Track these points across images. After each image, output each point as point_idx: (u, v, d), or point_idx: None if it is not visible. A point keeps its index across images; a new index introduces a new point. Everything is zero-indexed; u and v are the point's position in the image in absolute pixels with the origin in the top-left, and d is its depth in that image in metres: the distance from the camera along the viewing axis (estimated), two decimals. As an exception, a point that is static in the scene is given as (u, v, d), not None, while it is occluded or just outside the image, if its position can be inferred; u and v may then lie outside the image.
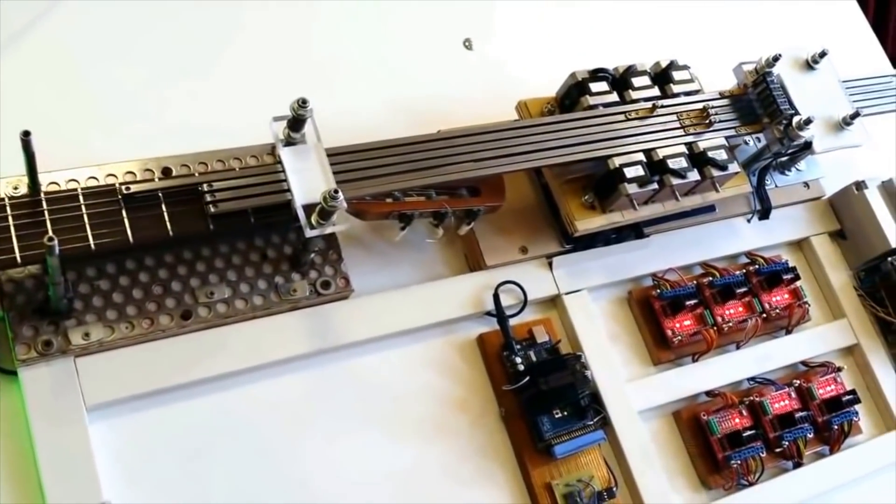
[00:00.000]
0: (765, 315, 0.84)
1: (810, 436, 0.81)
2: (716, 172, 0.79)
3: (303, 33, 0.85)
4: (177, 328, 0.67)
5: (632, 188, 0.75)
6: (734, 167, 0.79)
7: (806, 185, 0.94)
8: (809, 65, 0.87)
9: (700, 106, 0.82)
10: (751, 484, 0.78)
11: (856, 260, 0.94)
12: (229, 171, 0.66)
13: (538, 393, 0.72)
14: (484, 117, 0.78)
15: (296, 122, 0.65)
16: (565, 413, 0.74)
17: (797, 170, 0.94)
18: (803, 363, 0.86)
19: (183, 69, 0.78)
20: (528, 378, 0.72)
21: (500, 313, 0.76)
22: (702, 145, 0.79)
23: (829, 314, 0.91)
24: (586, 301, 0.80)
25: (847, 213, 0.94)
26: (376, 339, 0.73)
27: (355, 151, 0.68)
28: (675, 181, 0.77)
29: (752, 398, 0.80)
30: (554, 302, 0.80)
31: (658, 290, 0.81)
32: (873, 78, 0.93)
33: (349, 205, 0.68)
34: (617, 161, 0.76)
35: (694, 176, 0.78)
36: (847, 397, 0.83)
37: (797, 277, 0.86)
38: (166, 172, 0.66)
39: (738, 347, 0.84)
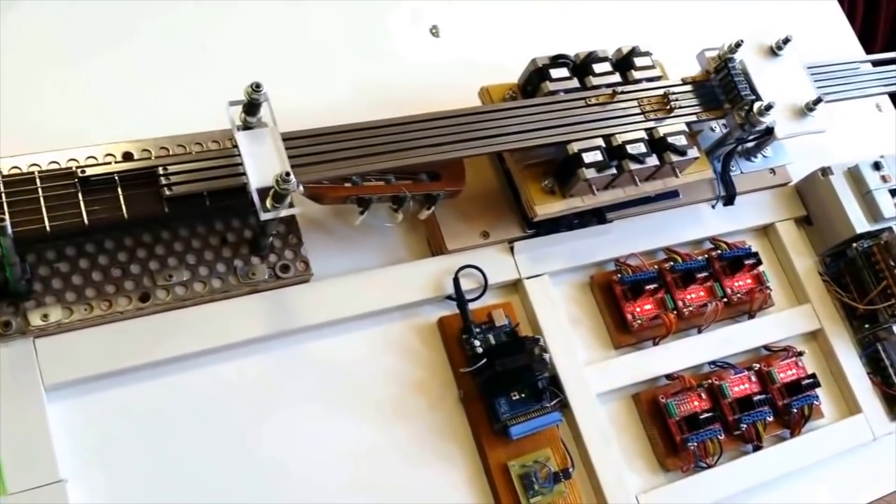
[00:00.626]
0: (726, 300, 0.87)
1: (770, 419, 0.83)
2: (675, 158, 0.81)
3: (271, 19, 0.87)
4: (135, 310, 0.69)
5: (590, 173, 0.77)
6: (693, 153, 0.82)
7: (772, 171, 0.97)
8: (773, 51, 0.90)
9: (661, 92, 0.84)
10: (709, 466, 0.80)
11: (821, 246, 0.96)
12: (186, 154, 0.68)
13: (495, 375, 0.75)
14: (450, 104, 0.80)
15: (251, 107, 0.67)
16: (523, 395, 0.76)
17: (763, 156, 0.96)
18: (766, 348, 0.88)
19: (157, 57, 0.80)
20: (485, 360, 0.75)
21: (459, 297, 0.78)
22: (662, 131, 0.81)
23: (794, 299, 0.93)
24: (547, 285, 0.82)
25: (813, 199, 0.96)
26: (337, 321, 0.75)
27: (313, 136, 0.71)
28: (634, 166, 0.79)
29: (711, 381, 0.83)
30: (515, 286, 0.82)
31: (619, 275, 0.84)
32: (839, 64, 0.95)
33: (306, 189, 0.70)
34: (575, 146, 0.78)
35: (653, 161, 0.80)
36: (807, 381, 0.85)
37: (759, 262, 0.89)
38: (127, 157, 0.68)
39: (699, 331, 0.86)
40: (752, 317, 0.89)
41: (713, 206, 0.92)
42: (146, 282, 0.70)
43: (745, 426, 0.81)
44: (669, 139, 0.81)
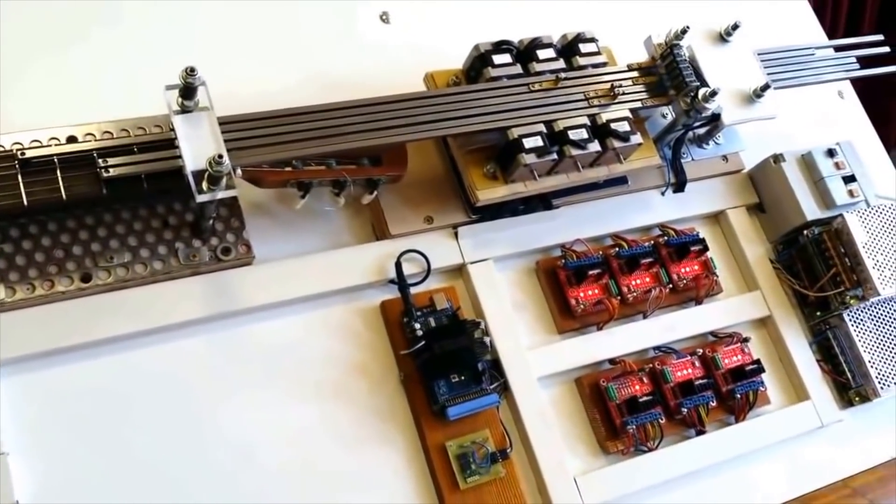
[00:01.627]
0: (671, 286, 0.91)
1: (713, 404, 0.87)
2: (617, 144, 0.85)
3: (222, 3, 0.91)
4: (77, 290, 0.73)
5: (530, 158, 0.81)
6: (637, 139, 0.86)
7: (724, 158, 1.01)
8: (723, 37, 0.93)
9: (605, 78, 0.88)
10: (650, 450, 0.84)
11: (774, 233, 1.00)
12: (126, 138, 0.72)
13: (434, 357, 0.79)
14: (401, 90, 0.83)
15: (187, 91, 0.71)
16: (462, 377, 0.80)
17: (716, 143, 1.00)
18: (713, 334, 0.92)
19: (108, 41, 0.85)
20: (423, 343, 0.79)
21: (401, 281, 0.82)
22: (605, 117, 0.85)
23: (744, 286, 0.97)
24: (491, 270, 0.86)
25: (765, 186, 1.00)
26: (278, 304, 0.79)
27: (251, 119, 0.75)
28: (575, 152, 0.83)
29: (653, 366, 0.87)
30: (460, 271, 0.86)
31: (563, 260, 0.88)
32: (792, 50, 0.98)
33: (244, 172, 0.74)
34: (516, 131, 0.82)
35: (594, 147, 0.84)
36: (751, 367, 0.89)
37: (705, 249, 0.93)
38: (70, 140, 0.73)
39: (644, 317, 0.90)
40: (699, 303, 0.93)
41: (662, 193, 0.96)
42: (88, 263, 0.74)
43: (685, 410, 0.85)
44: (612, 125, 0.85)
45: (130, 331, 0.74)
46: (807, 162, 0.99)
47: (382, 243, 0.84)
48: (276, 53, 0.92)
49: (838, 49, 1.02)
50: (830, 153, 0.99)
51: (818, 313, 0.96)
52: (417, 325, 0.80)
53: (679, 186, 0.97)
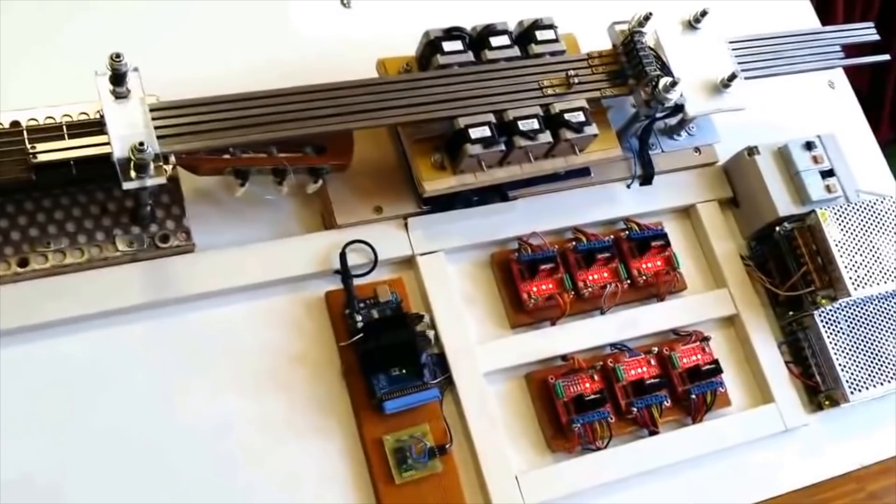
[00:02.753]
0: (630, 281, 0.90)
1: (667, 404, 0.87)
2: (570, 135, 0.85)
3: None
4: (13, 275, 0.75)
5: (475, 149, 0.82)
6: (591, 130, 0.85)
7: (697, 150, 1.00)
8: (691, 25, 0.93)
9: (562, 67, 0.87)
10: (598, 449, 0.84)
11: (748, 229, 0.99)
12: (57, 124, 0.74)
13: (372, 350, 0.80)
14: (358, 76, 0.85)
15: (115, 77, 0.72)
16: (404, 371, 0.81)
17: (688, 134, 0.99)
18: (675, 332, 0.92)
19: (46, 27, 0.86)
20: (361, 335, 0.80)
21: (344, 271, 0.83)
22: (558, 107, 0.85)
23: (713, 283, 0.96)
24: (442, 262, 0.87)
25: (739, 179, 0.99)
26: (219, 293, 0.81)
27: (186, 105, 0.76)
28: (524, 143, 0.83)
29: (606, 364, 0.86)
30: (410, 263, 0.87)
31: (516, 254, 0.88)
32: (767, 38, 0.97)
33: (180, 159, 0.76)
34: (462, 121, 0.82)
35: (545, 138, 0.84)
36: (707, 367, 0.88)
37: (667, 244, 0.92)
38: (14, 125, 0.75)
39: (602, 313, 0.90)
40: (661, 300, 0.93)
41: (628, 186, 0.96)
42: (25, 248, 0.76)
43: (636, 410, 0.85)
44: (566, 115, 0.85)
45: (64, 316, 0.75)
46: (783, 155, 0.98)
47: (330, 233, 0.85)
48: (232, 39, 0.93)
49: (818, 37, 1.00)
50: (808, 146, 0.98)
51: (790, 313, 0.96)
52: (359, 317, 0.81)
53: (646, 179, 0.96)
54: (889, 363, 0.93)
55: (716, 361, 0.89)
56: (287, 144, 0.81)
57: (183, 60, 0.89)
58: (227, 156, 0.78)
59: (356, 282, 0.84)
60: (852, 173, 0.99)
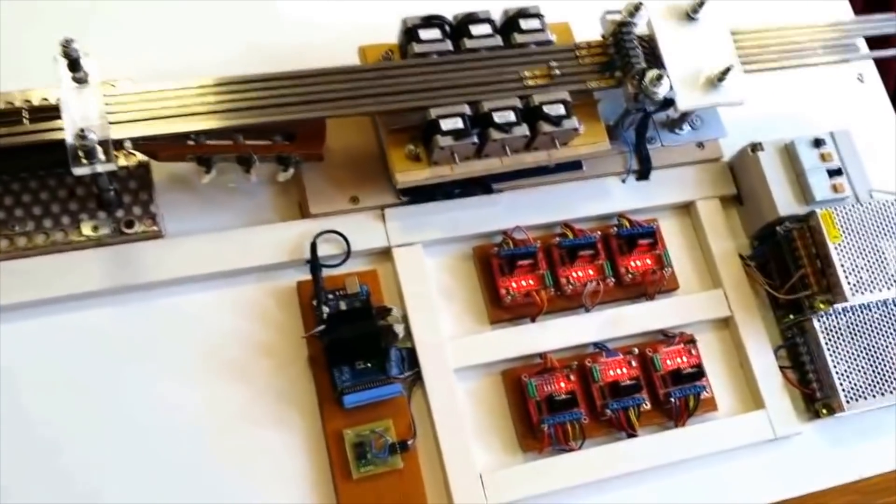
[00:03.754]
0: (614, 279, 0.85)
1: (646, 407, 0.82)
2: (547, 128, 0.80)
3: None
4: (-23, 258, 0.75)
5: (446, 140, 0.78)
6: (571, 123, 0.81)
7: (700, 145, 0.94)
8: (689, 15, 0.87)
9: (545, 58, 0.83)
10: (571, 450, 0.80)
11: (750, 228, 0.93)
12: (16, 108, 0.73)
13: (334, 342, 0.77)
14: (345, 62, 0.82)
15: (70, 62, 0.71)
16: (369, 364, 0.78)
17: (692, 128, 0.94)
18: (663, 333, 0.87)
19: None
20: (324, 327, 0.77)
21: (313, 261, 0.80)
22: (538, 99, 0.81)
23: (710, 283, 0.91)
24: (419, 255, 0.83)
25: (743, 176, 0.93)
26: (188, 279, 0.79)
27: (142, 92, 0.74)
28: (498, 135, 0.79)
29: (584, 363, 0.82)
30: (386, 255, 0.84)
31: (497, 248, 0.84)
32: (774, 30, 0.90)
33: (137, 145, 0.74)
34: (434, 112, 0.78)
35: (521, 131, 0.79)
36: (689, 370, 0.83)
37: (655, 242, 0.87)
38: (-9, 107, 0.74)
39: (587, 311, 0.85)
40: (650, 299, 0.87)
41: (623, 181, 0.91)
42: (-9, 231, 0.76)
43: (610, 412, 0.80)
44: (545, 108, 0.80)
45: (25, 300, 0.74)
46: (789, 152, 0.91)
47: (305, 222, 0.83)
48: (219, 23, 0.90)
49: (834, 28, 0.93)
50: (817, 143, 0.91)
51: (791, 316, 0.89)
52: (326, 308, 0.78)
53: (642, 174, 0.91)
54: (892, 373, 0.86)
55: (698, 365, 0.84)
56: (255, 132, 0.78)
57: (164, 46, 0.87)
58: (191, 142, 0.76)
59: (329, 272, 0.81)
60: (866, 172, 0.92)
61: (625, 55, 0.83)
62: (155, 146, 0.75)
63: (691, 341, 0.85)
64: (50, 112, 0.73)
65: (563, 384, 0.81)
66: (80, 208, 0.78)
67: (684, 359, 0.85)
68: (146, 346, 0.77)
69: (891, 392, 0.86)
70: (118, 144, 0.72)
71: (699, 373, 0.83)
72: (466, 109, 0.79)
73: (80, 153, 0.69)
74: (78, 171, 0.69)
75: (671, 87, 0.83)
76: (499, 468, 0.79)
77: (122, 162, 0.77)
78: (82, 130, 0.67)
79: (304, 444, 0.77)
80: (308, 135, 0.80)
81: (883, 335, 0.88)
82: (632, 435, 0.82)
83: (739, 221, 0.94)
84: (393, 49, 0.84)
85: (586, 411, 0.81)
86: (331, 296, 0.80)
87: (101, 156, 0.69)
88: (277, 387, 0.78)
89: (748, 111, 0.97)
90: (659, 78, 0.81)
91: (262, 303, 0.81)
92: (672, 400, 0.82)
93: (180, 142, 0.76)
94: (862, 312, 0.88)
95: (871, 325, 0.88)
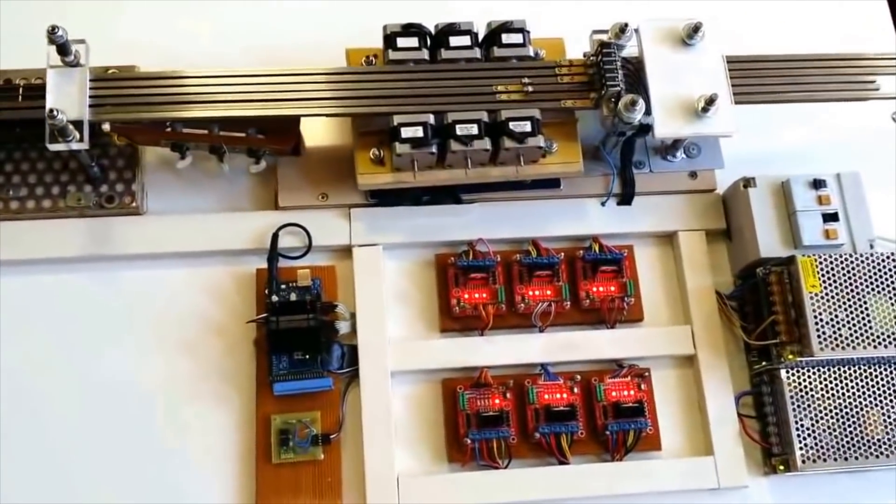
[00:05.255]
0: (570, 303, 0.83)
1: (581, 435, 0.79)
2: (509, 143, 0.79)
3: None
4: (-33, 216, 0.82)
5: (402, 148, 0.78)
6: (536, 141, 0.79)
7: (693, 174, 0.89)
8: (684, 41, 0.83)
9: (520, 73, 0.81)
10: (495, 468, 0.79)
11: (735, 266, 0.88)
12: (14, 85, 0.79)
13: (276, 331, 0.79)
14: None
15: (59, 47, 0.76)
16: (307, 356, 0.80)
17: (686, 156, 0.89)
18: (618, 363, 0.83)
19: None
20: (265, 315, 0.79)
21: (271, 251, 0.82)
22: (505, 114, 0.79)
23: (679, 318, 0.86)
24: (378, 256, 0.84)
25: (734, 212, 0.88)
26: (157, 255, 0.83)
27: (125, 79, 0.79)
28: (457, 147, 0.78)
29: (524, 383, 0.80)
30: (348, 253, 0.85)
31: (454, 258, 0.83)
32: (774, 61, 0.85)
33: (113, 128, 0.78)
34: (397, 119, 0.79)
35: (482, 145, 0.78)
36: (628, 405, 0.80)
37: (621, 270, 0.83)
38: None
39: (540, 331, 0.83)
40: (611, 327, 0.84)
41: (602, 204, 0.88)
42: (-12, 194, 0.82)
43: (538, 435, 0.79)
44: (511, 124, 0.79)
45: (6, 258, 0.81)
46: (784, 191, 0.85)
47: (274, 213, 0.85)
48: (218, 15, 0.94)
49: (848, 63, 0.85)
50: (816, 184, 0.85)
51: (764, 363, 0.84)
52: (275, 297, 0.80)
53: (625, 199, 0.88)
54: (861, 439, 0.79)
55: (639, 402, 0.80)
56: (231, 123, 0.81)
57: (173, 38, 0.92)
58: (168, 129, 0.80)
59: (290, 264, 0.84)
60: (870, 220, 0.85)
61: (602, 76, 0.80)
62: (132, 130, 0.79)
63: (641, 375, 0.82)
64: (40, 91, 0.78)
65: (497, 401, 0.80)
66: (70, 180, 0.83)
67: (630, 392, 0.81)
68: (109, 314, 0.82)
69: (855, 458, 0.79)
70: (96, 126, 0.77)
71: (640, 408, 0.80)
72: (430, 119, 0.79)
73: (55, 131, 0.73)
74: (53, 147, 0.74)
75: (648, 113, 0.79)
76: (419, 474, 0.79)
77: (117, 142, 0.82)
78: (52, 110, 0.72)
79: (238, 424, 0.80)
80: (279, 130, 0.82)
81: (858, 397, 0.81)
82: (563, 462, 0.79)
83: (727, 258, 0.88)
84: (378, 54, 0.84)
85: (516, 431, 0.79)
86: (283, 286, 0.82)
87: (76, 134, 0.73)
88: (223, 366, 0.81)
89: (771, 144, 0.93)
90: (633, 103, 0.78)
91: (224, 285, 0.84)
92: (608, 433, 0.79)
93: (157, 128, 0.80)
94: (839, 369, 0.81)
95: (846, 385, 0.81)
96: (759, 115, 0.89)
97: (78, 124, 0.76)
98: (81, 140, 0.75)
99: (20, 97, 0.78)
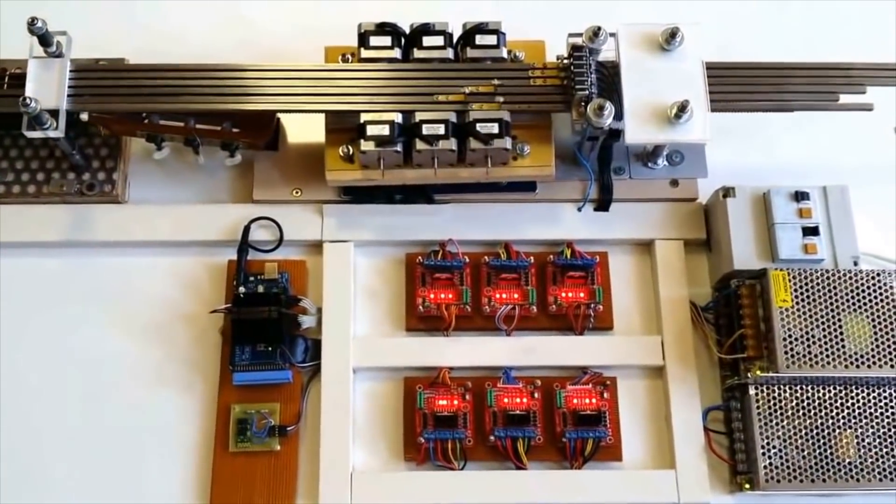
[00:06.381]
0: (537, 308, 0.82)
1: (539, 441, 0.78)
2: (475, 145, 0.78)
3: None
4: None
5: (367, 145, 0.78)
6: (503, 143, 0.78)
7: (674, 182, 0.87)
8: (662, 46, 0.81)
9: (492, 75, 0.80)
10: (450, 468, 0.78)
11: (713, 277, 0.85)
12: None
13: (239, 322, 0.79)
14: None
15: (40, 38, 0.78)
16: (269, 348, 0.80)
17: (668, 164, 0.87)
18: (583, 370, 0.82)
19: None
20: (230, 305, 0.80)
21: (242, 243, 0.83)
22: (473, 115, 0.78)
23: (651, 328, 0.84)
24: (348, 253, 0.84)
25: (713, 222, 0.85)
26: (133, 243, 0.85)
27: (104, 70, 0.81)
28: (422, 146, 0.78)
29: (483, 385, 0.79)
30: (319, 248, 0.85)
31: (421, 258, 0.83)
32: (753, 68, 0.82)
33: (91, 117, 0.80)
34: (364, 117, 0.79)
35: (448, 145, 0.78)
36: (586, 413, 0.78)
37: (590, 277, 0.82)
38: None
39: (507, 334, 0.82)
40: (579, 334, 0.82)
41: (579, 209, 0.86)
42: (-24, 178, 0.85)
43: (496, 439, 0.77)
44: (478, 126, 0.78)
45: (-9, 239, 0.83)
46: (765, 202, 0.82)
47: (248, 206, 0.86)
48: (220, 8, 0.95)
49: (837, 71, 0.82)
50: (797, 196, 0.82)
51: (736, 378, 0.81)
52: (242, 289, 0.81)
53: (602, 205, 0.86)
54: (832, 461, 0.76)
55: (598, 410, 0.78)
56: (206, 116, 0.82)
57: (159, 31, 0.94)
58: (145, 120, 0.81)
59: (261, 257, 0.84)
60: (854, 235, 0.82)
61: (573, 80, 0.78)
62: (108, 120, 0.80)
63: (604, 384, 0.80)
64: (24, 80, 0.80)
65: (456, 402, 0.79)
66: (55, 167, 0.85)
67: (591, 400, 0.79)
68: (83, 298, 0.84)
69: (823, 480, 0.76)
70: (75, 115, 0.79)
71: (600, 417, 0.78)
72: (398, 118, 0.78)
73: (31, 119, 0.75)
74: (29, 134, 0.76)
75: (616, 118, 0.78)
76: (375, 471, 0.79)
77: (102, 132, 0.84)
78: (26, 98, 0.74)
79: (200, 411, 0.81)
80: (254, 125, 0.83)
81: (830, 417, 0.77)
82: (519, 467, 0.78)
83: (708, 268, 0.86)
84: (356, 52, 0.84)
85: (473, 434, 0.78)
86: (252, 278, 0.82)
87: (52, 122, 0.75)
88: (191, 354, 0.82)
89: (757, 153, 0.89)
90: (601, 108, 0.76)
91: (196, 275, 0.85)
92: (565, 440, 0.77)
93: (133, 119, 0.81)
94: (812, 388, 0.78)
95: (819, 404, 0.78)
96: (759, 124, 0.87)
97: (55, 113, 0.77)
98: (57, 128, 0.76)
99: (6, 86, 0.80)
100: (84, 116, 0.79)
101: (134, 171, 0.88)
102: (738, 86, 0.81)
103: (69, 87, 0.79)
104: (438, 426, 0.78)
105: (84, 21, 0.89)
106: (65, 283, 0.84)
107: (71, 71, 0.79)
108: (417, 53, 0.81)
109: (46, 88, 0.78)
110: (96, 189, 0.85)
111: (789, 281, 0.77)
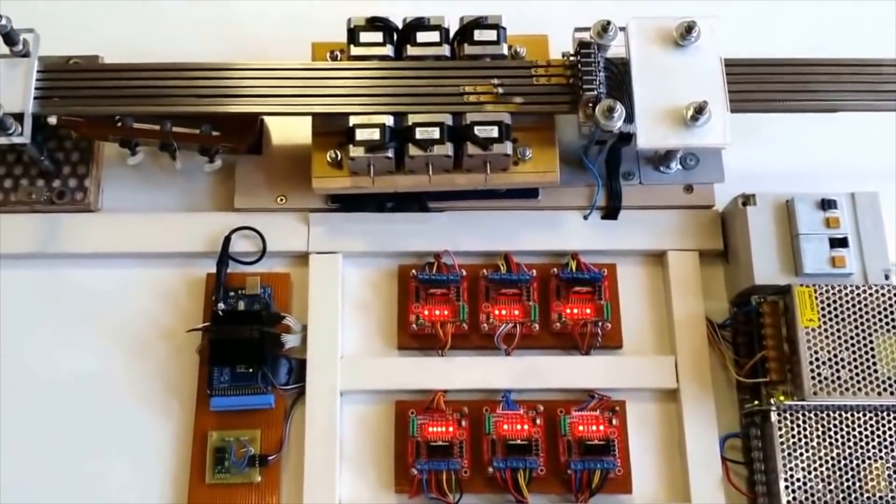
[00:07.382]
0: (539, 325, 0.75)
1: (541, 472, 0.71)
2: (473, 150, 0.71)
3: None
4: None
5: (356, 151, 0.71)
6: (503, 148, 0.71)
7: (689, 188, 0.80)
8: (677, 42, 0.74)
9: (492, 73, 0.73)
10: (446, 502, 0.71)
11: (731, 292, 0.78)
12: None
13: (215, 341, 0.73)
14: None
15: (4, 36, 0.71)
16: (249, 370, 0.74)
17: (683, 168, 0.80)
18: (590, 393, 0.75)
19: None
20: (208, 324, 0.73)
21: (221, 256, 0.77)
22: (470, 118, 0.72)
23: (664, 348, 0.77)
24: (336, 265, 0.78)
25: (732, 231, 0.78)
26: (107, 255, 0.78)
27: (75, 70, 0.74)
28: (415, 152, 0.71)
29: (482, 411, 0.73)
30: (305, 259, 0.78)
31: (415, 271, 0.76)
32: (777, 65, 0.75)
33: (60, 120, 0.74)
34: (353, 120, 0.72)
35: (443, 150, 0.71)
36: (593, 442, 0.71)
37: (598, 292, 0.75)
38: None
39: (506, 354, 0.76)
40: (586, 353, 0.76)
41: (585, 217, 0.79)
42: (-61, 187, 0.79)
43: (495, 470, 0.71)
44: (476, 129, 0.71)
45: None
46: (788, 211, 0.75)
47: (229, 215, 0.79)
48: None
49: (870, 69, 0.75)
50: (824, 205, 0.75)
51: (756, 402, 0.74)
52: (221, 305, 0.75)
53: (610, 212, 0.79)
54: (861, 495, 0.69)
55: (606, 439, 0.71)
56: (184, 119, 0.75)
57: (142, 31, 0.87)
58: (119, 124, 0.75)
59: (243, 269, 0.78)
60: (887, 247, 0.74)
61: (580, 79, 0.71)
62: (78, 124, 0.74)
63: (613, 409, 0.73)
64: (-17, 81, 0.73)
65: (450, 428, 0.72)
66: (23, 174, 0.79)
67: (599, 427, 0.72)
68: (51, 313, 0.78)
69: (851, 515, 0.69)
70: (42, 119, 0.72)
71: (609, 446, 0.71)
72: (389, 121, 0.72)
73: (-1, 124, 0.69)
74: (-3, 141, 0.70)
75: (627, 121, 0.71)
76: (363, 501, 0.72)
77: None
78: (-12, 103, 0.68)
79: (176, 436, 0.75)
80: (236, 127, 0.76)
81: (859, 447, 0.70)
82: (520, 501, 0.71)
83: (724, 283, 0.79)
84: (345, 49, 0.77)
85: (470, 464, 0.71)
86: (232, 293, 0.76)
87: (17, 127, 0.69)
88: (167, 374, 0.76)
89: (792, 158, 0.82)
90: (611, 110, 0.69)
91: (174, 289, 0.79)
92: (570, 471, 0.71)
93: (106, 122, 0.75)
94: (840, 415, 0.71)
95: (847, 433, 0.71)
96: (779, 126, 0.81)
97: (20, 117, 0.71)
98: (22, 134, 0.70)
99: (-30, 87, 0.74)
100: (52, 120, 0.73)
101: (107, 178, 0.81)
102: (761, 84, 0.74)
103: (36, 88, 0.73)
104: (432, 455, 0.71)
105: (56, 14, 0.83)
106: (32, 297, 0.78)
107: (38, 71, 0.73)
108: (411, 50, 0.74)
109: (11, 90, 0.72)
110: (67, 197, 0.78)
111: (816, 298, 0.70)
